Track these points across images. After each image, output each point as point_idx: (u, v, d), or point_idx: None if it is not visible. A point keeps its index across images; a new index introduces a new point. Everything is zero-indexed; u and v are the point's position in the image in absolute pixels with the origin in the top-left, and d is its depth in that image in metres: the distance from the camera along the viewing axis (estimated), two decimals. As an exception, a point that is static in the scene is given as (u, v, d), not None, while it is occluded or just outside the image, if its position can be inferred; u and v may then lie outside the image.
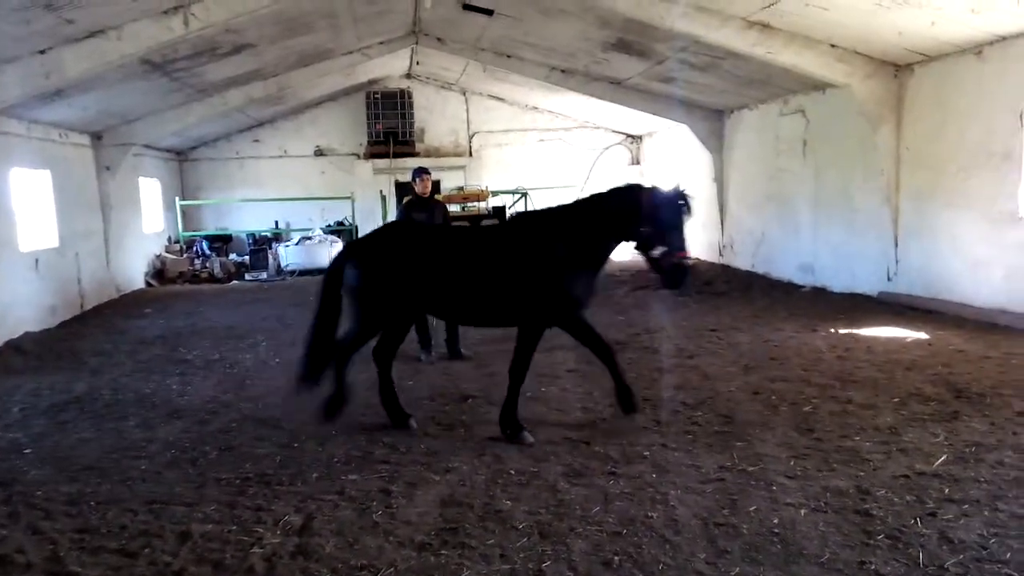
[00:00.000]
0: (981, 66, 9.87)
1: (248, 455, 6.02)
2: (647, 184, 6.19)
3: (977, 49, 9.87)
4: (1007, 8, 8.48)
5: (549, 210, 6.55)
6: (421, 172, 8.96)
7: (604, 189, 6.35)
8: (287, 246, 20.14)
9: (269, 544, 4.45)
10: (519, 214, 6.90)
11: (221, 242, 21.51)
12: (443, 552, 4.27)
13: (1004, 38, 9.39)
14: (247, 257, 20.66)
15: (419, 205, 8.85)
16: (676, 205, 5.92)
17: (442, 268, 6.11)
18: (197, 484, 5.46)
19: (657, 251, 5.94)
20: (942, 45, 10.12)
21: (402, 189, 21.98)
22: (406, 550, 4.31)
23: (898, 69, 11.27)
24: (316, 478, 5.45)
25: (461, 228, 6.72)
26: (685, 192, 5.94)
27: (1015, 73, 9.33)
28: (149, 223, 19.22)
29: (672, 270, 5.97)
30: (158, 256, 19.48)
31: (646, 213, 5.90)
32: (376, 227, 7.22)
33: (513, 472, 5.42)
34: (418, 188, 8.88)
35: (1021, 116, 9.26)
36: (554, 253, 5.99)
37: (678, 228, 5.93)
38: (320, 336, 6.49)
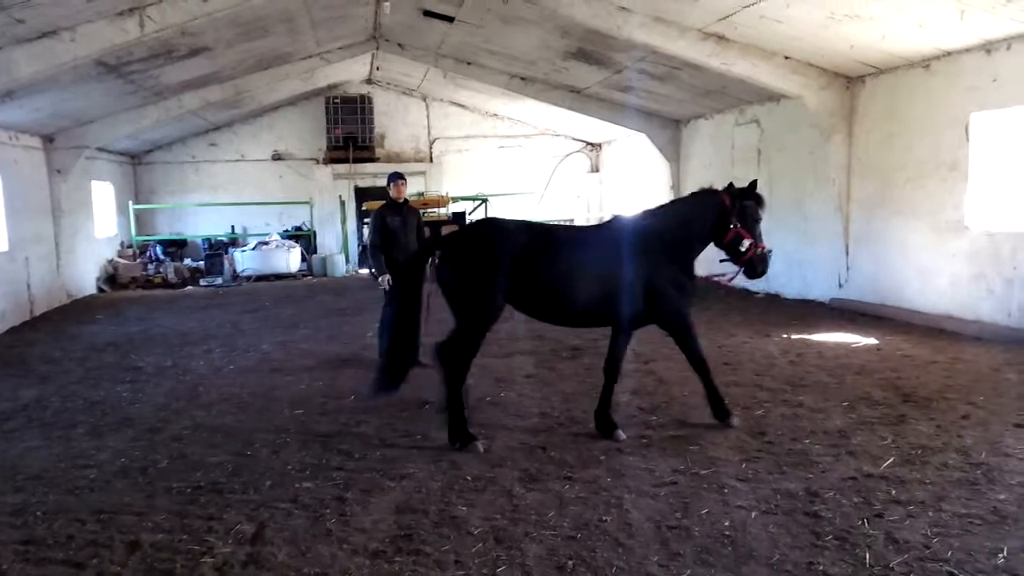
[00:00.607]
0: (929, 79, 10.15)
1: (200, 463, 5.93)
2: (721, 187, 6.64)
3: (925, 63, 10.14)
4: (952, 24, 8.74)
5: (649, 212, 6.77)
6: (396, 177, 8.92)
7: (686, 195, 6.94)
8: (244, 251, 19.91)
9: (220, 553, 4.39)
10: (616, 217, 6.78)
11: (176, 247, 21.20)
12: (397, 559, 4.25)
13: (950, 53, 9.66)
14: (202, 262, 20.39)
15: (393, 209, 8.85)
16: (756, 201, 6.53)
17: (547, 267, 5.97)
18: (147, 493, 5.36)
19: (744, 244, 6.48)
20: (892, 58, 10.38)
21: (362, 194, 21.90)
22: (360, 558, 4.29)
23: (850, 81, 11.53)
24: (269, 486, 5.40)
25: (557, 227, 6.54)
26: (759, 190, 6.56)
27: (961, 86, 9.60)
28: (102, 227, 18.85)
29: (757, 260, 6.57)
30: (110, 261, 19.12)
31: (735, 211, 6.44)
32: (469, 224, 7.18)
33: (469, 478, 5.42)
34: (392, 193, 8.86)
35: (967, 128, 9.53)
36: (661, 254, 6.35)
37: (758, 222, 6.55)
38: (405, 338, 6.39)
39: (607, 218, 7.30)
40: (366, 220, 20.65)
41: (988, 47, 9.15)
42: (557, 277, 5.98)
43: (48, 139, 15.18)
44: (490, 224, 6.66)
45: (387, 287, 8.54)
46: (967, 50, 9.42)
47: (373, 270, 8.88)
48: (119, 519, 4.91)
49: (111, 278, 18.74)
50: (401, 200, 8.91)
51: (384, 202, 8.93)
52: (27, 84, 10.62)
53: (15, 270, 13.52)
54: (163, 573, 4.19)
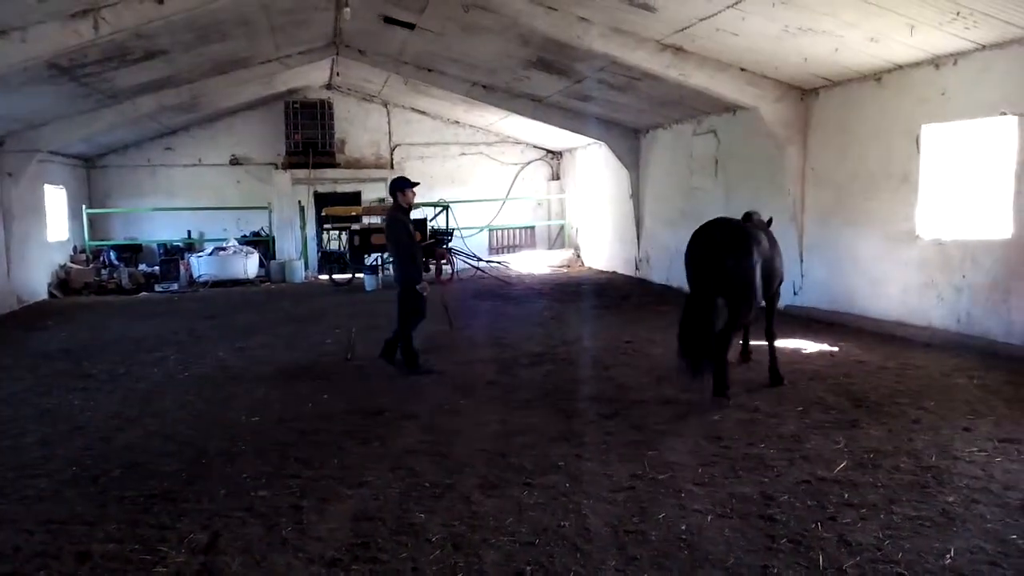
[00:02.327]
0: (881, 92, 10.38)
1: (153, 472, 5.83)
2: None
3: (877, 76, 10.38)
4: (902, 39, 8.96)
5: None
6: (410, 184, 8.85)
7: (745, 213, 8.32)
8: (200, 257, 19.63)
9: (173, 563, 4.31)
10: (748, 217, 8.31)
11: (130, 252, 20.81)
12: (354, 567, 4.22)
13: (901, 67, 9.90)
14: (157, 268, 20.04)
15: (407, 215, 8.95)
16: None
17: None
18: (98, 503, 5.26)
19: None
20: (845, 71, 10.61)
21: (321, 200, 21.72)
22: (316, 566, 4.24)
23: (804, 93, 11.76)
24: (224, 495, 5.32)
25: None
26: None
27: (911, 99, 9.85)
28: (54, 232, 18.42)
29: None
30: (63, 266, 18.71)
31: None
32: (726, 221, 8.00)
33: (428, 485, 5.40)
34: (403, 200, 8.83)
35: (917, 140, 9.77)
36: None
37: None
38: (703, 326, 7.22)
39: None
40: (326, 226, 20.59)
41: (937, 62, 9.39)
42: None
43: (-2, 142, 14.84)
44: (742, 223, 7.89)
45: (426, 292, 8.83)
46: (917, 64, 9.66)
47: (411, 276, 8.77)
48: (69, 529, 4.81)
49: (63, 283, 18.34)
50: (409, 207, 8.98)
51: (395, 206, 8.86)
52: (-25, 86, 10.40)
53: (-38, 275, 13.18)
54: (114, 584, 4.11)
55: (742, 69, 11.42)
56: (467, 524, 4.72)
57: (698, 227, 7.74)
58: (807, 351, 9.44)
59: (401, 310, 8.90)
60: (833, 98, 11.33)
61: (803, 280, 12.05)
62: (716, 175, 14.46)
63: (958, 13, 7.97)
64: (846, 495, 4.98)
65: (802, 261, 12.02)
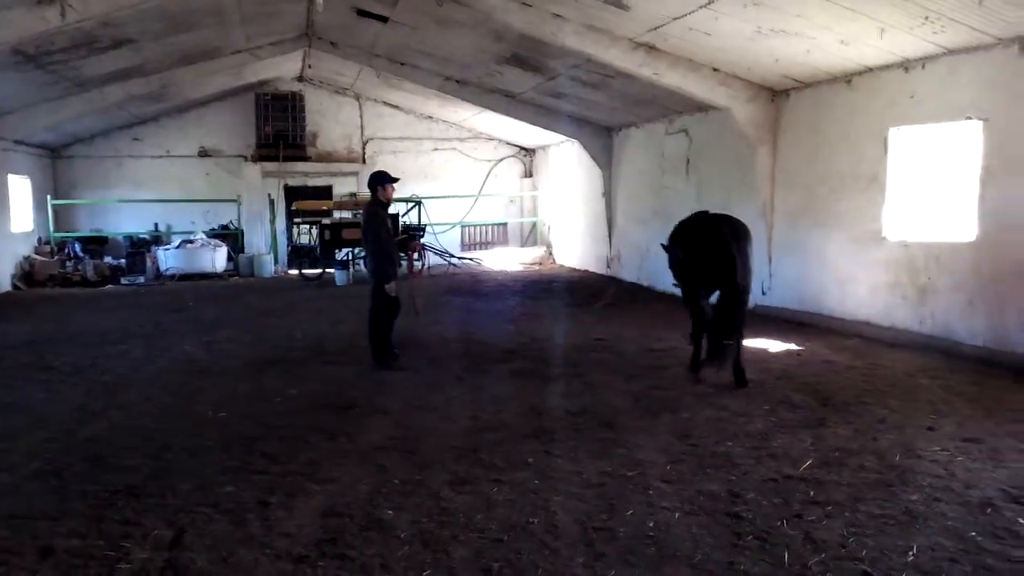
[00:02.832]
0: (851, 94, 10.50)
1: (117, 466, 5.74)
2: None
3: (847, 78, 10.49)
4: (872, 42, 9.07)
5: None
6: (391, 179, 8.77)
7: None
8: (167, 250, 19.37)
9: (137, 559, 4.25)
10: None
11: (96, 244, 20.47)
12: (321, 564, 4.18)
13: (871, 69, 10.02)
14: (124, 260, 19.75)
15: (385, 210, 8.98)
16: None
17: None
18: (61, 497, 5.16)
19: None
20: (816, 73, 10.71)
21: (292, 193, 21.53)
22: (282, 563, 4.20)
23: (775, 94, 11.86)
24: (189, 490, 5.24)
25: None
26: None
27: (880, 102, 9.97)
28: (17, 223, 18.08)
29: None
30: (27, 258, 18.38)
31: None
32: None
33: (397, 481, 5.37)
34: (382, 195, 8.77)
35: (886, 142, 9.89)
36: None
37: None
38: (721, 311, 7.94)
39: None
40: (296, 220, 20.41)
41: (906, 65, 9.52)
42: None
43: (-40, 129, 14.54)
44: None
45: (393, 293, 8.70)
46: (887, 67, 9.78)
47: (387, 273, 8.65)
48: (31, 524, 4.71)
49: (27, 275, 18.01)
50: (388, 202, 8.99)
51: (374, 201, 8.77)
52: (-64, 72, 10.17)
53: (-79, 265, 12.90)
54: (75, 580, 4.04)
55: (715, 69, 11.49)
56: (436, 521, 4.70)
57: (689, 221, 8.58)
58: (775, 351, 9.53)
59: (374, 306, 8.85)
60: (804, 99, 11.44)
61: (772, 280, 12.17)
62: (687, 175, 14.55)
63: (927, 17, 8.09)
64: (812, 493, 5.03)
65: (771, 261, 12.14)
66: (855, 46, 9.40)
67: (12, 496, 5.22)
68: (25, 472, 5.67)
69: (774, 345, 9.81)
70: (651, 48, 11.20)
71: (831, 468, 5.47)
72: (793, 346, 9.72)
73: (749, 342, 9.94)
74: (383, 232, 8.68)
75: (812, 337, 10.21)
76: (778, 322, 11.41)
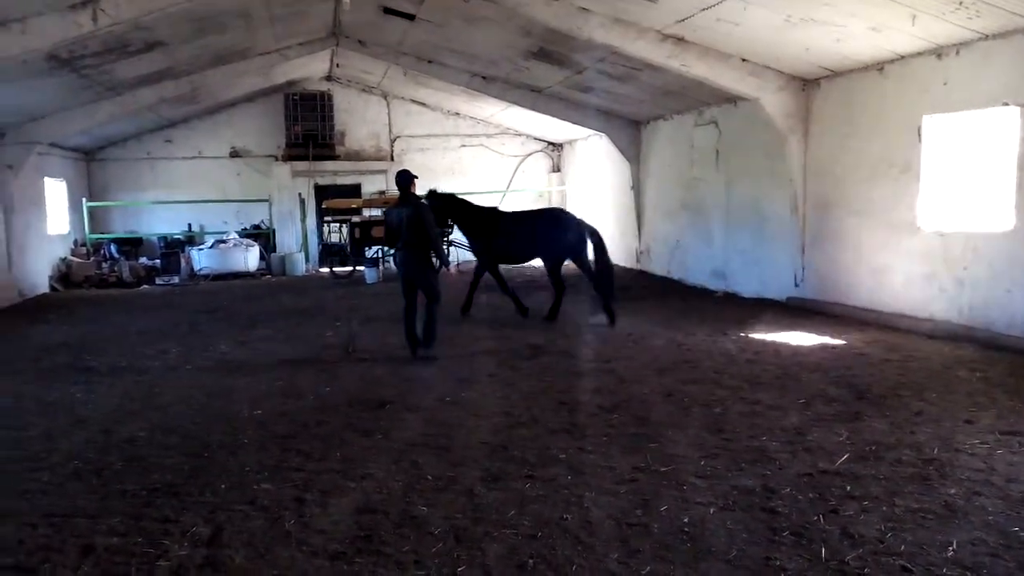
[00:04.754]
0: (883, 82, 10.35)
1: (155, 465, 5.83)
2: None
3: (879, 66, 10.34)
4: (904, 28, 8.92)
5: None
6: (415, 177, 9.40)
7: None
8: (200, 249, 19.62)
9: (176, 556, 4.31)
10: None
11: (131, 245, 20.80)
12: (357, 560, 4.22)
13: (903, 57, 9.86)
14: (158, 261, 20.04)
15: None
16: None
17: None
18: (101, 496, 5.26)
19: None
20: (846, 61, 10.57)
21: (321, 192, 21.69)
22: (319, 559, 4.24)
23: (805, 83, 11.72)
24: (226, 488, 5.32)
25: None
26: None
27: (913, 90, 9.81)
28: (54, 225, 18.42)
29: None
30: (63, 259, 18.71)
31: None
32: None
33: (430, 478, 5.40)
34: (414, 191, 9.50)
35: (919, 131, 9.73)
36: None
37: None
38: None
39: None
40: (326, 218, 20.59)
41: (939, 52, 9.35)
42: None
43: (-2, 134, 14.81)
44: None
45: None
46: (919, 54, 9.62)
47: (447, 262, 9.75)
48: (72, 522, 4.81)
49: (64, 277, 18.34)
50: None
51: (417, 196, 9.49)
52: (-26, 78, 10.37)
53: (-37, 269, 13.18)
54: (117, 577, 4.11)
55: (743, 59, 11.38)
56: (469, 517, 4.72)
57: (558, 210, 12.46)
58: (809, 343, 9.43)
59: (435, 294, 9.24)
60: (835, 88, 11.29)
61: (804, 272, 12.03)
62: (717, 166, 14.43)
63: (961, 3, 7.94)
64: (848, 487, 4.97)
65: (803, 252, 12.00)
66: (886, 33, 9.26)
67: (53, 495, 5.32)
68: (65, 471, 5.78)
69: (807, 338, 9.71)
70: (679, 40, 11.12)
71: (867, 462, 5.41)
72: (827, 338, 9.61)
73: (782, 334, 9.90)
74: (436, 223, 9.41)
75: (846, 329, 10.09)
76: (811, 314, 11.28)
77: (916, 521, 4.45)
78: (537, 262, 12.29)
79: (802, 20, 9.36)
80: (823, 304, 11.52)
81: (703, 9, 9.79)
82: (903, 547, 4.14)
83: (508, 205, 22.95)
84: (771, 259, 12.86)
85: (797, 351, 9.00)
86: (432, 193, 11.60)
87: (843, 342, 9.38)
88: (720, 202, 14.42)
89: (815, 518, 4.54)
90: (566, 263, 11.66)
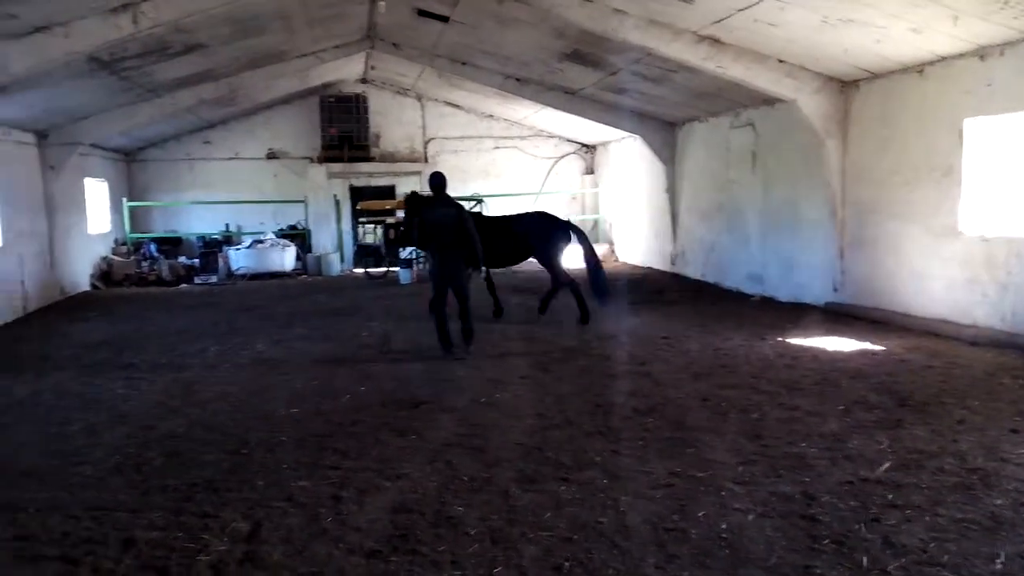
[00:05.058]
0: (923, 84, 10.17)
1: (195, 461, 5.92)
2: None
3: (919, 68, 10.17)
4: (945, 29, 8.76)
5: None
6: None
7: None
8: (238, 249, 19.86)
9: (216, 551, 4.37)
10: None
11: (170, 244, 21.10)
12: (393, 559, 4.24)
13: (944, 58, 9.69)
14: (197, 260, 20.32)
15: None
16: None
17: None
18: (142, 490, 5.35)
19: None
20: (886, 63, 10.41)
21: (356, 194, 21.85)
22: (356, 557, 4.27)
23: (844, 85, 11.57)
24: (264, 485, 5.38)
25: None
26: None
27: (955, 92, 9.63)
28: (95, 224, 18.76)
29: None
30: (104, 258, 19.04)
31: None
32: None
33: (465, 478, 5.41)
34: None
35: (961, 134, 9.56)
36: None
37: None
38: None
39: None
40: (361, 219, 20.74)
41: (982, 53, 9.17)
42: None
43: (41, 135, 15.11)
44: None
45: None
46: (961, 55, 9.45)
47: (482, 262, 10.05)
48: (114, 516, 4.90)
49: (105, 275, 18.66)
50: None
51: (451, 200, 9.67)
52: (19, 80, 10.56)
53: (8, 266, 13.47)
54: (158, 570, 4.17)
55: (780, 61, 11.26)
56: (505, 518, 4.72)
57: (540, 212, 12.57)
58: (848, 349, 9.29)
59: (464, 292, 9.55)
60: (874, 90, 11.13)
61: (843, 276, 11.86)
62: (754, 169, 14.29)
63: (1006, 2, 7.77)
64: (890, 496, 4.89)
65: (842, 257, 11.83)
66: (927, 34, 9.10)
67: (95, 489, 5.42)
68: (107, 466, 5.88)
69: (847, 343, 9.57)
70: (715, 41, 11.04)
71: (909, 470, 5.32)
72: (867, 344, 9.46)
73: (820, 340, 9.77)
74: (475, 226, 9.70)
75: (886, 335, 9.92)
76: (850, 319, 11.12)
77: (960, 532, 4.37)
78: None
79: (840, 21, 9.23)
80: (862, 309, 11.35)
81: (740, 10, 9.70)
82: (947, 558, 4.06)
83: (541, 206, 23.03)
84: (809, 263, 12.70)
85: (836, 357, 8.87)
86: (414, 195, 11.75)
87: (883, 348, 9.23)
88: (756, 205, 14.28)
89: (856, 526, 4.47)
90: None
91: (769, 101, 13.14)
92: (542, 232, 11.82)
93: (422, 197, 11.46)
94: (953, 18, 8.44)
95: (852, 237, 11.70)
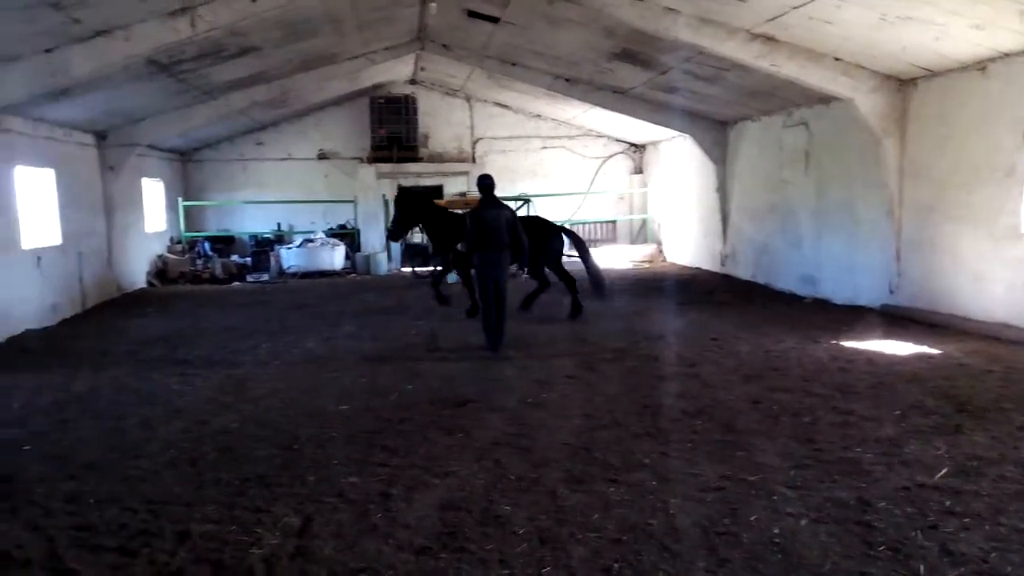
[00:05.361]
0: (985, 82, 9.89)
1: (248, 456, 6.01)
2: None
3: (981, 65, 9.88)
4: (1009, 26, 8.50)
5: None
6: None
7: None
8: (289, 248, 20.16)
9: (268, 545, 4.44)
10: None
11: (223, 243, 21.52)
12: (442, 556, 4.26)
13: (1007, 55, 9.41)
14: (249, 258, 20.69)
15: None
16: None
17: None
18: (196, 484, 5.45)
19: None
20: (946, 60, 10.15)
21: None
22: (405, 553, 4.30)
23: (902, 83, 11.30)
24: (315, 480, 5.45)
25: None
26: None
27: (1018, 90, 9.34)
28: (152, 223, 19.23)
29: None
30: (160, 256, 19.49)
31: None
32: None
33: (513, 477, 5.41)
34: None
35: (1024, 132, 9.28)
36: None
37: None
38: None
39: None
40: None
41: (1049, 49, 8.89)
42: None
43: (101, 136, 15.52)
44: None
45: None
46: (1025, 52, 9.17)
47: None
48: (169, 509, 5.00)
49: (161, 273, 19.09)
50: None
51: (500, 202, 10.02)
52: (81, 82, 10.85)
53: (68, 263, 13.86)
54: (212, 563, 4.25)
55: (836, 59, 11.04)
56: (553, 518, 4.71)
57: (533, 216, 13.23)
58: (904, 352, 9.07)
59: (504, 292, 9.79)
60: (933, 88, 10.85)
61: (900, 279, 11.59)
62: (807, 168, 14.05)
63: (1076, -3, 7.53)
64: (948, 503, 4.76)
65: (899, 258, 11.56)
66: (990, 31, 8.84)
67: (151, 482, 5.54)
68: (163, 460, 6.01)
69: (903, 346, 9.34)
70: (769, 39, 10.87)
71: (968, 477, 5.17)
72: (924, 348, 9.23)
73: (875, 343, 9.56)
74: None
75: (944, 338, 9.67)
76: (906, 322, 10.85)
77: (1023, 542, 4.23)
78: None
79: (899, 18, 9.02)
80: (919, 312, 11.07)
81: (795, 7, 9.54)
82: (1009, 569, 3.94)
83: (588, 208, 22.98)
84: (864, 265, 12.44)
85: (892, 360, 8.67)
86: (404, 191, 11.91)
87: (941, 352, 8.99)
88: (810, 205, 14.03)
89: (913, 534, 4.36)
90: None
91: (824, 100, 12.91)
92: (534, 237, 11.52)
93: (413, 193, 11.74)
94: (1019, 14, 8.20)
95: (909, 238, 11.43)
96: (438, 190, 22.35)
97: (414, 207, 12.76)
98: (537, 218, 12.90)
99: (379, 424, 6.79)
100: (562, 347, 10.08)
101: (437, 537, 4.49)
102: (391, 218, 13.97)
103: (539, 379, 8.32)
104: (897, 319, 11.12)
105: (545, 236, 12.01)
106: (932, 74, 10.73)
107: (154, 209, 19.55)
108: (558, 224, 12.79)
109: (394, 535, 4.52)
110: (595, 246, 22.95)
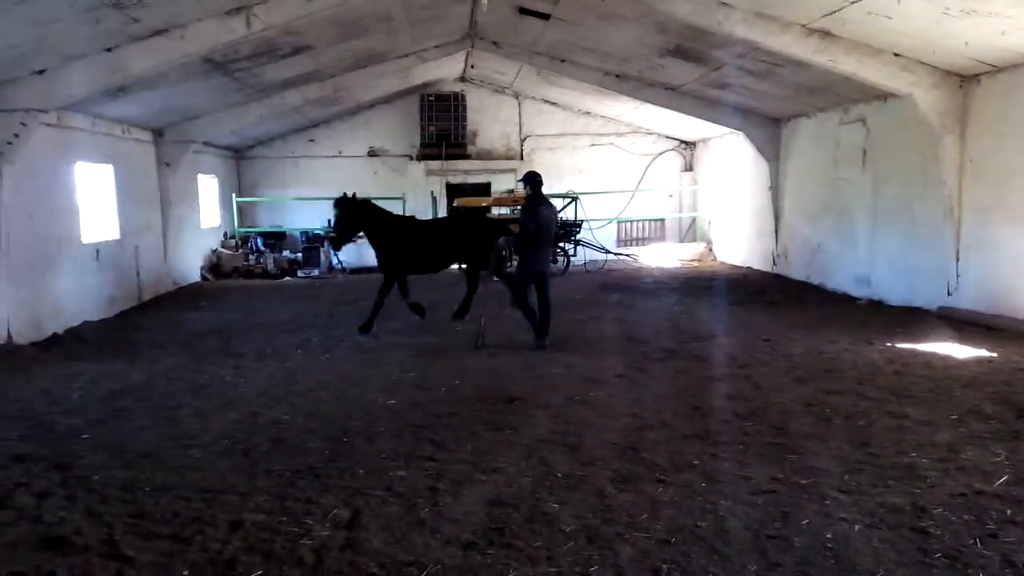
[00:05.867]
0: (1052, 77, 9.57)
1: (299, 448, 6.10)
2: None
3: (1049, 60, 9.57)
4: (1082, 17, 8.22)
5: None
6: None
7: None
8: (339, 244, 20.37)
9: (318, 536, 4.50)
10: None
11: (275, 239, 21.85)
12: (489, 552, 4.26)
13: (1078, 48, 9.09)
14: (300, 254, 20.99)
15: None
16: None
17: None
18: (249, 474, 5.55)
19: None
20: (1012, 55, 9.83)
21: (453, 191, 22.13)
22: (452, 548, 4.32)
23: (963, 79, 10.99)
24: (364, 473, 5.50)
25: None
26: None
27: (1088, 85, 9.02)
28: (206, 218, 19.62)
29: None
30: (214, 251, 19.87)
31: None
32: None
33: (560, 475, 5.40)
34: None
35: (1094, 129, 8.95)
36: None
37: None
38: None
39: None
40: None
41: (1121, 43, 8.56)
42: None
43: (158, 133, 15.87)
44: None
45: None
46: (1097, 46, 8.85)
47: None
48: (222, 498, 5.09)
49: (214, 267, 19.46)
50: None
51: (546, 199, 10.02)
52: (139, 80, 11.11)
53: (125, 257, 14.20)
54: (264, 553, 4.32)
55: (895, 54, 10.78)
56: (600, 517, 4.69)
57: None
58: (963, 356, 8.83)
59: (547, 289, 10.00)
60: (997, 85, 10.52)
61: (958, 280, 11.28)
62: (864, 166, 13.75)
63: None
64: (1008, 511, 4.63)
65: (958, 260, 11.25)
66: (1061, 24, 8.55)
67: (205, 471, 5.65)
68: (216, 450, 6.13)
69: (961, 350, 9.10)
70: (826, 34, 10.66)
71: (1031, 486, 5.01)
72: (983, 351, 8.97)
73: (932, 345, 9.32)
74: None
75: (1004, 342, 9.39)
76: (965, 325, 10.55)
77: (1090, 554, 4.09)
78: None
79: (962, 12, 8.76)
80: (979, 315, 10.76)
81: (853, 2, 9.33)
82: (1075, 581, 3.81)
83: (636, 205, 22.79)
84: (921, 266, 12.13)
85: (949, 364, 8.45)
86: (344, 198, 11.56)
87: (1001, 356, 8.73)
88: (866, 204, 13.73)
89: (971, 542, 4.25)
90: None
91: (881, 96, 12.62)
92: (480, 238, 11.60)
93: (353, 200, 11.44)
94: (1091, 6, 7.91)
95: (969, 239, 11.11)
96: (486, 187, 22.40)
97: (356, 213, 11.62)
98: (490, 218, 12.90)
99: (427, 418, 6.84)
100: (610, 346, 10.02)
101: (484, 533, 4.50)
102: (332, 225, 12.92)
103: (587, 377, 8.29)
104: (955, 321, 10.82)
105: (478, 235, 11.80)
106: (996, 70, 10.42)
107: (208, 205, 19.93)
108: (503, 225, 12.77)
109: (441, 529, 4.55)
110: (643, 244, 22.90)
